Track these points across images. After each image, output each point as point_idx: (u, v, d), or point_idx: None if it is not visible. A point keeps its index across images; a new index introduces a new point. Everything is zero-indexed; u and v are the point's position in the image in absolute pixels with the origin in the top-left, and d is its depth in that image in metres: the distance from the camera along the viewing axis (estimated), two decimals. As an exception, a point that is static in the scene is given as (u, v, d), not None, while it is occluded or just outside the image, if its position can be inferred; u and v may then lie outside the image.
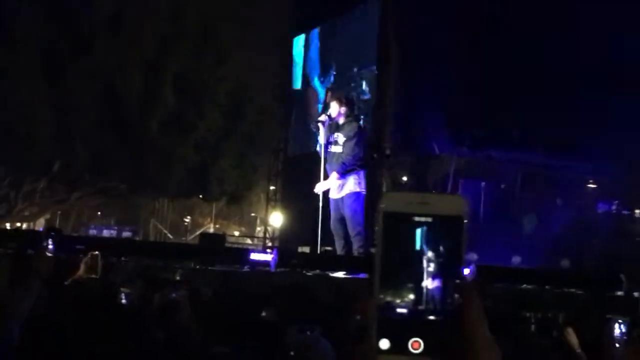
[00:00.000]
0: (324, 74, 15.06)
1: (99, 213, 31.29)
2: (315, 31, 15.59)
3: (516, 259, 11.04)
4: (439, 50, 12.17)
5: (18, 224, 22.43)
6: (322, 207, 8.82)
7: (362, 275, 7.37)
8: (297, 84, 16.39)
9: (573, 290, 7.44)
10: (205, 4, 19.43)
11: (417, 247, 0.95)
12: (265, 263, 7.05)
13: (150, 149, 18.30)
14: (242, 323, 4.50)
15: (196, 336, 3.71)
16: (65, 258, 4.75)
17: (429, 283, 0.94)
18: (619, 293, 7.28)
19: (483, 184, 12.53)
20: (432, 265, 0.94)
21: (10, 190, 19.65)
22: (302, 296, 5.97)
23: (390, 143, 13.04)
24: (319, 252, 9.35)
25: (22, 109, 17.23)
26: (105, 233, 26.37)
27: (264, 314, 4.87)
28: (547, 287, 7.41)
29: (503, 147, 12.54)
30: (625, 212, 11.94)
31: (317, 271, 7.49)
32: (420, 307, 0.94)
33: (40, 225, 24.83)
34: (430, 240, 0.95)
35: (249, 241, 24.86)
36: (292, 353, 3.47)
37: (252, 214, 29.04)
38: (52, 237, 3.85)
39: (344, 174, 8.44)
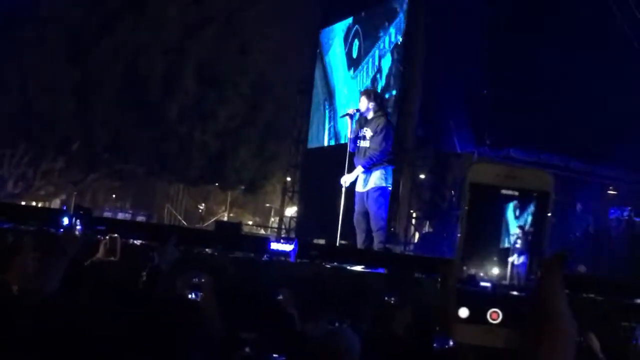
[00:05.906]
0: (354, 66, 14.92)
1: (114, 196, 31.30)
2: (341, 25, 15.50)
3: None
4: (465, 48, 12.10)
5: (34, 203, 22.53)
6: (344, 200, 8.79)
7: (380, 270, 7.33)
8: (320, 77, 16.32)
9: (592, 295, 7.36)
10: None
11: (502, 220, 0.95)
12: (285, 253, 7.02)
13: (169, 133, 18.29)
14: (263, 310, 4.48)
15: (220, 322, 3.69)
16: (90, 238, 4.73)
17: (512, 258, 0.95)
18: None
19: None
20: (516, 239, 0.95)
21: (28, 168, 19.73)
22: (320, 288, 5.96)
23: (412, 138, 13.01)
24: (337, 244, 9.31)
25: (44, 87, 17.25)
26: (120, 216, 26.36)
27: (280, 297, 4.88)
28: (567, 291, 7.32)
29: (523, 148, 12.46)
30: (637, 219, 11.83)
31: (336, 264, 7.46)
32: (503, 282, 0.94)
33: (55, 204, 24.87)
34: (516, 215, 0.95)
35: (262, 231, 24.83)
36: (317, 343, 3.44)
37: (267, 204, 29.00)
38: (80, 216, 3.82)
39: (369, 168, 8.42)
